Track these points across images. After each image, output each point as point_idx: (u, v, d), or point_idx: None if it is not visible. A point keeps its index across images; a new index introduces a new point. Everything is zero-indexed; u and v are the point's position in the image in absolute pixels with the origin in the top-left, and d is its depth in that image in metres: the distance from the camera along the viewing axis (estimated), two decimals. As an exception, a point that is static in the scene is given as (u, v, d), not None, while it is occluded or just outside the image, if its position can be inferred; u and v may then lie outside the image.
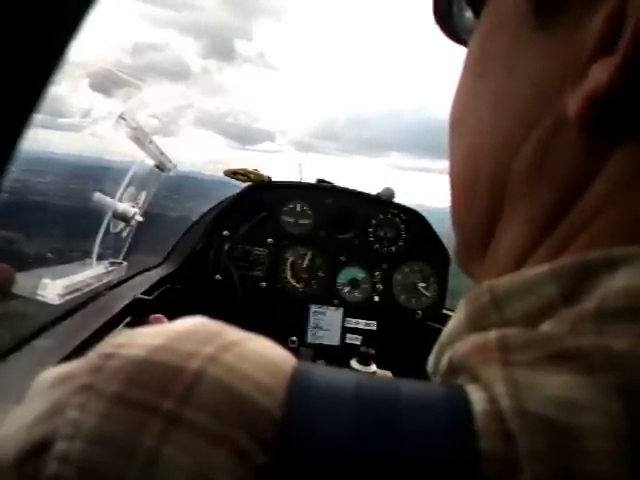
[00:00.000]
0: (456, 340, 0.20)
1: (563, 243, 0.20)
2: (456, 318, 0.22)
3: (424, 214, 1.40)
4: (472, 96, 0.24)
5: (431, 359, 0.23)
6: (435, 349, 0.22)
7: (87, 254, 0.93)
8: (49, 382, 0.18)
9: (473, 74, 0.24)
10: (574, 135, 0.19)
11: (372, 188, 1.41)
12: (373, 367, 0.99)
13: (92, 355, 0.18)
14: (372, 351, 0.99)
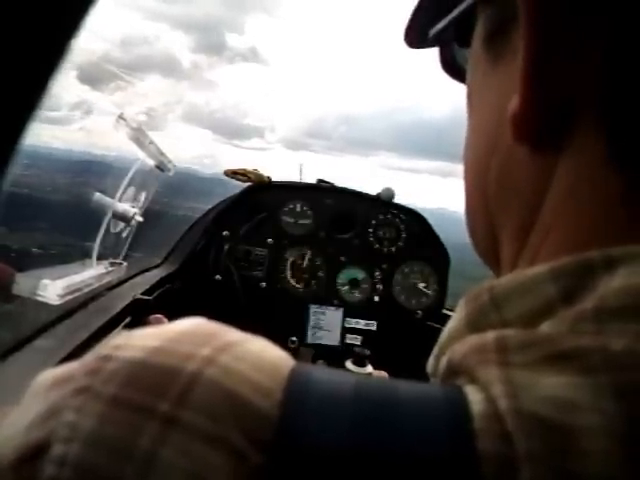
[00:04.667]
0: (455, 341, 0.20)
1: (534, 253, 0.22)
2: (456, 318, 0.22)
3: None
4: (468, 132, 0.27)
5: (431, 360, 0.23)
6: (435, 350, 0.22)
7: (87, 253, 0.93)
8: (46, 384, 0.18)
9: (467, 112, 0.27)
10: (525, 154, 0.21)
11: (363, 187, 1.42)
12: (369, 368, 0.98)
13: (89, 357, 0.18)
14: (367, 352, 0.98)
